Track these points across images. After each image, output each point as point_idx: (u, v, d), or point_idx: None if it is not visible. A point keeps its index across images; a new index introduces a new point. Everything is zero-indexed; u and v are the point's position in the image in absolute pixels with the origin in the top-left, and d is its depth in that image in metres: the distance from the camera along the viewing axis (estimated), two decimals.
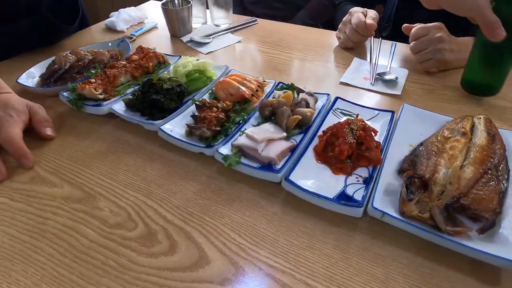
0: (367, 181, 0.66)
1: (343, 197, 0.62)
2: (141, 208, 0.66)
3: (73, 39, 1.37)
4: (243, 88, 0.87)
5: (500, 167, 0.65)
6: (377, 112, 0.83)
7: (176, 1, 1.37)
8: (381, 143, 0.73)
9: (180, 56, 1.07)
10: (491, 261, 0.52)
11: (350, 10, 1.18)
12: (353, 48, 1.22)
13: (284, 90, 0.88)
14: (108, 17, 1.48)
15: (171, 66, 1.01)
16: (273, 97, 0.87)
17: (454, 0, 0.79)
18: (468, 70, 0.94)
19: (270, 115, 0.80)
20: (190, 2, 1.31)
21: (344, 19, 1.20)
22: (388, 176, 0.66)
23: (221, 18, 1.42)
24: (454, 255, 0.55)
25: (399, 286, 0.53)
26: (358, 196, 0.62)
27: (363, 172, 0.68)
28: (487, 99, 0.94)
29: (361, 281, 0.54)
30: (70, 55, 1.08)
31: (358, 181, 0.66)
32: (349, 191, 0.64)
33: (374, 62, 1.09)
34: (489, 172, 0.63)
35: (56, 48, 1.28)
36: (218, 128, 0.76)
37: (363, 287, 0.53)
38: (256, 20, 1.44)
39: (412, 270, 0.55)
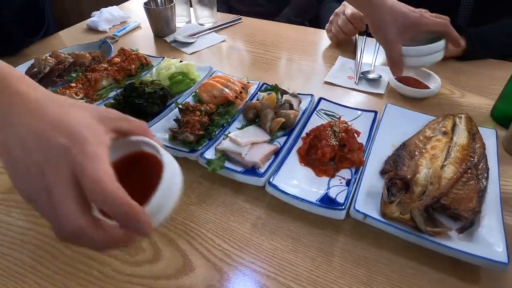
0: (349, 183, 0.66)
1: (326, 200, 0.63)
2: None
3: (53, 41, 1.34)
4: (227, 90, 0.86)
5: (480, 166, 0.66)
6: (360, 112, 0.83)
7: (159, 0, 1.34)
8: (364, 144, 0.73)
9: (163, 58, 1.05)
10: (470, 260, 0.53)
11: (343, 2, 1.18)
12: (343, 41, 1.20)
13: (268, 92, 0.87)
14: (91, 17, 1.46)
15: (154, 69, 1.00)
16: (257, 99, 0.87)
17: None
18: (503, 101, 0.84)
19: (254, 117, 0.80)
20: (173, 1, 1.29)
21: (337, 10, 1.19)
22: (370, 177, 0.66)
23: (205, 17, 1.40)
24: (435, 255, 0.56)
25: (381, 286, 0.54)
26: (341, 199, 0.63)
27: (346, 174, 0.69)
28: (470, 96, 0.96)
29: (344, 283, 0.55)
30: (50, 58, 1.05)
31: (341, 183, 0.67)
32: (332, 193, 0.64)
33: (358, 61, 1.09)
34: (469, 171, 0.65)
35: (35, 50, 1.25)
36: (201, 132, 0.75)
37: None
38: (240, 18, 1.43)
39: (394, 271, 0.56)
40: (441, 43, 0.85)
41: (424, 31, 0.85)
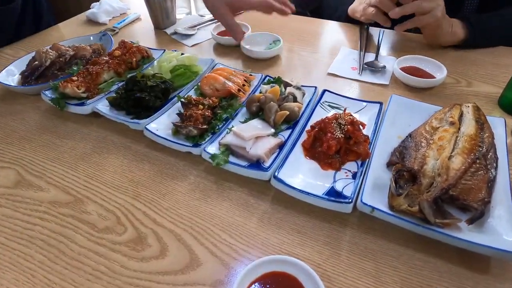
0: (356, 176, 0.66)
1: (333, 194, 0.62)
2: (130, 211, 0.66)
3: (53, 33, 1.32)
4: (230, 83, 0.85)
5: (489, 156, 0.65)
6: (365, 104, 0.82)
7: None
8: (370, 136, 0.72)
9: (164, 50, 1.04)
10: (480, 251, 0.53)
11: None
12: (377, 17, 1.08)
13: (271, 85, 0.86)
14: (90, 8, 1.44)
15: (155, 62, 0.98)
16: (260, 92, 0.86)
17: None
18: (511, 89, 0.84)
19: (258, 110, 0.79)
20: None
21: None
22: (377, 170, 0.66)
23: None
24: (444, 246, 0.56)
25: (389, 279, 0.54)
26: (348, 192, 0.62)
27: (352, 166, 0.68)
28: (476, 84, 0.94)
29: (352, 276, 0.55)
30: (51, 50, 1.04)
31: (347, 176, 0.66)
32: (338, 186, 0.64)
33: (361, 51, 1.08)
34: (478, 161, 0.64)
35: (35, 42, 1.24)
36: (205, 126, 0.75)
37: (354, 282, 0.54)
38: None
39: (402, 263, 0.56)
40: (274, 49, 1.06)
41: (248, 6, 1.06)
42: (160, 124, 0.79)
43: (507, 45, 1.09)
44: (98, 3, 1.44)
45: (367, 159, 0.68)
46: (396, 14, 0.98)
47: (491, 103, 0.87)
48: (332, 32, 1.26)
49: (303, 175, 0.67)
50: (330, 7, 1.23)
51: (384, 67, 0.99)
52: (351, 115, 0.71)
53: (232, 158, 0.70)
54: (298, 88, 0.84)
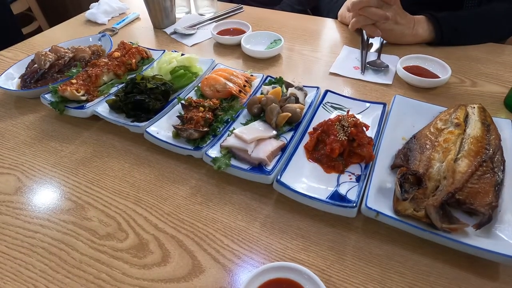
0: (360, 179, 0.65)
1: (336, 197, 0.61)
2: (131, 216, 0.65)
3: (53, 34, 1.31)
4: (230, 84, 0.84)
5: (495, 159, 0.64)
6: (368, 104, 0.80)
7: None
8: (373, 138, 0.71)
9: (164, 51, 1.03)
10: (489, 257, 0.52)
11: None
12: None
13: (272, 85, 0.85)
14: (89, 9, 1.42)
15: (155, 63, 0.97)
16: (261, 93, 0.84)
17: None
18: None
19: (259, 112, 0.78)
20: None
21: None
22: (381, 173, 0.65)
23: (206, 6, 1.36)
24: (451, 251, 0.55)
25: (395, 285, 0.53)
26: (352, 196, 0.61)
27: (355, 169, 0.67)
28: (481, 84, 0.93)
29: (357, 282, 0.54)
30: (50, 53, 1.03)
31: (351, 179, 0.65)
32: (342, 190, 0.63)
33: (364, 50, 1.06)
34: (484, 164, 0.62)
35: (35, 44, 1.23)
36: (206, 129, 0.73)
37: None
38: (242, 7, 1.39)
39: (408, 268, 0.55)
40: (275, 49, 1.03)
41: None
42: (161, 127, 0.78)
43: (491, 41, 1.08)
44: (97, 3, 1.43)
45: (371, 162, 0.66)
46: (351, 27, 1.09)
47: (497, 104, 0.86)
48: (333, 30, 1.25)
49: (306, 178, 0.66)
50: (329, 6, 1.21)
51: (387, 66, 0.98)
52: (355, 117, 0.70)
53: (234, 161, 0.69)
54: (300, 88, 0.83)
